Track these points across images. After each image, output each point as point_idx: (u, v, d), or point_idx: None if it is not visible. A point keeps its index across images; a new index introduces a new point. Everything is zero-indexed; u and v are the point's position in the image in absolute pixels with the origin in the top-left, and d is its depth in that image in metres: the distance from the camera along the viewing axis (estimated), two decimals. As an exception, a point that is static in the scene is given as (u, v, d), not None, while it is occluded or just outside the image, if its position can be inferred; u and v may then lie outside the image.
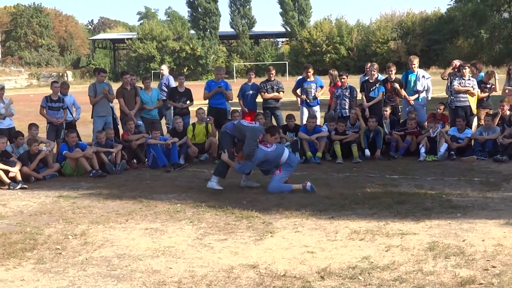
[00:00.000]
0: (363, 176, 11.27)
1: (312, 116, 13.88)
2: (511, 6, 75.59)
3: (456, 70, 14.40)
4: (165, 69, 17.86)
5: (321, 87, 15.05)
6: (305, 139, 13.26)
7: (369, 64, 15.38)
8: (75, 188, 10.99)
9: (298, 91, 15.08)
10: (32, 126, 12.94)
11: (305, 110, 14.81)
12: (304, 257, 6.45)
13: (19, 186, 11.10)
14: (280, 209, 8.66)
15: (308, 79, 14.85)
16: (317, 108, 14.87)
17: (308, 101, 14.76)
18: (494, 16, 75.21)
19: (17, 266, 6.48)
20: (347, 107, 14.27)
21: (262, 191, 10.01)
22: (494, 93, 14.35)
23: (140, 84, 15.92)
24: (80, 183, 11.52)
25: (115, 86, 15.15)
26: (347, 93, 14.31)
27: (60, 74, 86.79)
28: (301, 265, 6.18)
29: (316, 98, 14.80)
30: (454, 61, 14.96)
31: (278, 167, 10.22)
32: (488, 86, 14.19)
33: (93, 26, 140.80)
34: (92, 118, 14.36)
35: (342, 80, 14.48)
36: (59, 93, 14.10)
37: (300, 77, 15.61)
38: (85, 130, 16.76)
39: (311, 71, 14.93)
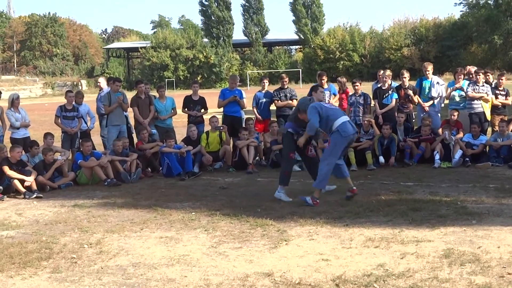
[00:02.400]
0: (378, 184, 11.25)
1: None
2: (525, 12, 75.24)
3: (460, 76, 14.41)
4: (102, 82, 16.49)
5: (334, 94, 15.02)
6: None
7: (381, 71, 15.36)
8: (90, 197, 11.04)
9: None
10: (47, 136, 13.02)
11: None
12: (319, 265, 6.44)
13: (34, 195, 11.16)
14: (295, 217, 8.66)
15: (322, 87, 14.82)
16: None
17: None
18: (508, 21, 74.97)
19: (33, 275, 6.51)
20: (361, 114, 14.24)
21: (277, 199, 10.00)
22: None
23: (154, 93, 15.97)
24: (95, 192, 11.58)
25: (129, 95, 15.21)
26: (361, 100, 14.29)
27: (75, 83, 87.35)
28: (316, 273, 6.18)
29: (329, 102, 14.78)
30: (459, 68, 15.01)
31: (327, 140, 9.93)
32: (504, 93, 14.12)
33: (107, 35, 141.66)
34: (106, 127, 14.42)
35: (356, 87, 14.45)
36: (73, 103, 14.19)
37: (314, 84, 15.60)
38: (100, 139, 16.81)
39: (325, 78, 14.91)
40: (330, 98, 14.69)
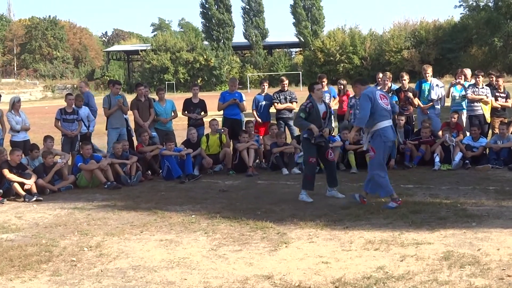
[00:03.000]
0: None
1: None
2: (525, 14, 75.30)
3: (460, 77, 14.46)
4: (83, 86, 16.41)
5: (334, 97, 15.01)
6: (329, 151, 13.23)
7: (380, 74, 15.37)
8: (90, 200, 11.04)
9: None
10: (47, 139, 13.02)
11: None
12: (319, 268, 6.44)
13: (34, 198, 11.16)
14: (295, 220, 8.66)
15: (322, 89, 14.81)
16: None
17: None
18: (508, 24, 75.05)
19: (32, 278, 6.51)
20: (360, 117, 14.25)
21: (277, 202, 10.00)
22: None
23: (153, 96, 15.97)
24: (95, 195, 11.57)
25: (129, 98, 15.21)
26: (360, 102, 14.29)
27: (75, 86, 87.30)
28: (315, 276, 6.18)
29: (330, 107, 14.77)
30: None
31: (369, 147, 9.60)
32: (504, 95, 14.13)
33: (107, 38, 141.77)
34: (106, 130, 14.44)
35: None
36: (73, 106, 14.20)
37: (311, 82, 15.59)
38: (100, 142, 16.83)
39: (325, 81, 14.91)
40: (330, 101, 14.69)
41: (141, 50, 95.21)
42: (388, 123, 9.49)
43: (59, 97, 70.48)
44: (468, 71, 15.08)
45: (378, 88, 14.73)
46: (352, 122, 14.28)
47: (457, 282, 5.77)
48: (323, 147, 10.32)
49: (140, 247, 7.65)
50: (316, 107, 10.18)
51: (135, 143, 14.67)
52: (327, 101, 14.51)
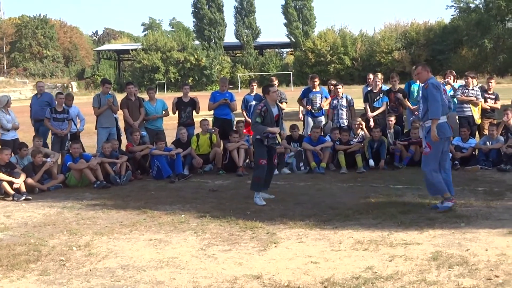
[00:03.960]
0: (367, 186, 11.27)
1: (316, 126, 13.89)
2: (515, 16, 75.70)
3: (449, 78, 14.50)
4: (42, 85, 15.66)
5: (326, 97, 15.01)
6: (309, 150, 13.26)
7: (371, 75, 15.41)
8: (80, 199, 11.00)
9: (303, 101, 15.09)
10: (36, 138, 12.97)
11: (310, 120, 14.82)
12: (308, 268, 6.45)
13: (23, 198, 11.12)
14: (284, 220, 8.66)
15: (314, 90, 14.85)
16: (322, 119, 14.87)
17: (313, 111, 14.77)
18: (498, 26, 75.51)
19: (21, 277, 6.49)
20: (344, 117, 14.29)
21: (266, 202, 10.00)
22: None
23: (143, 95, 15.94)
24: (84, 194, 11.54)
25: (120, 97, 15.19)
26: (343, 103, 14.32)
27: (65, 85, 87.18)
28: (304, 276, 6.18)
29: (321, 108, 14.80)
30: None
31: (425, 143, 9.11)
32: (493, 96, 14.19)
33: (97, 37, 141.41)
34: (96, 129, 14.40)
35: (338, 90, 14.46)
36: (63, 105, 14.15)
37: (306, 87, 15.61)
38: (89, 141, 16.80)
39: (317, 81, 14.93)
40: (321, 101, 14.70)
41: (132, 50, 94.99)
42: (444, 119, 9.07)
43: (49, 96, 70.15)
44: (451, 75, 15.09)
45: (369, 88, 14.84)
46: (336, 123, 14.29)
47: (446, 282, 5.79)
48: (272, 150, 10.39)
49: (129, 246, 7.64)
50: (270, 110, 10.17)
51: (124, 142, 14.63)
52: (318, 101, 14.57)
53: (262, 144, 10.16)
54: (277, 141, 10.34)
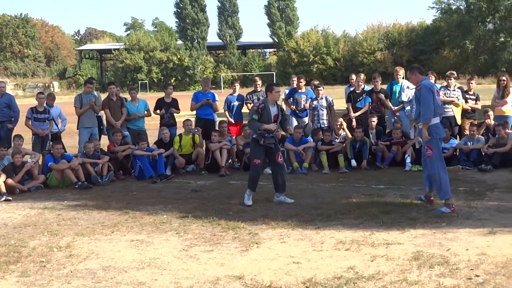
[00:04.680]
0: (350, 186, 11.30)
1: (298, 127, 13.89)
2: (495, 18, 76.34)
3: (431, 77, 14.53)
4: (3, 85, 14.79)
5: (311, 98, 14.97)
6: (291, 150, 13.28)
7: (353, 75, 15.46)
8: (61, 200, 10.93)
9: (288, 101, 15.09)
10: (16, 137, 12.86)
11: (294, 120, 14.83)
12: (290, 268, 6.45)
13: (3, 198, 11.03)
14: (267, 220, 8.66)
15: (300, 90, 14.87)
16: (306, 119, 14.88)
17: (297, 111, 14.79)
18: (479, 27, 76.01)
19: (0, 279, 6.43)
20: (325, 118, 14.32)
21: (252, 203, 9.99)
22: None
23: (126, 95, 15.88)
24: (65, 195, 11.47)
25: (102, 97, 15.11)
26: (323, 104, 14.34)
27: (46, 84, 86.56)
28: (286, 276, 6.18)
29: (306, 109, 14.79)
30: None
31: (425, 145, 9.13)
32: (474, 97, 14.29)
33: (79, 36, 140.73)
34: (78, 129, 14.31)
35: (318, 91, 14.48)
36: (44, 104, 14.06)
37: (290, 87, 15.57)
38: (71, 142, 16.71)
39: (302, 81, 14.94)
40: (307, 102, 14.69)
41: (114, 49, 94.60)
42: (438, 119, 9.10)
43: (30, 95, 69.63)
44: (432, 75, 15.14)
45: (351, 89, 14.88)
46: (316, 124, 14.29)
47: (427, 282, 5.82)
48: (273, 150, 10.14)
49: (110, 247, 7.60)
50: (268, 109, 10.02)
51: (106, 142, 14.57)
52: (303, 102, 14.58)
53: (258, 144, 10.03)
54: (275, 141, 10.20)
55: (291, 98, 14.99)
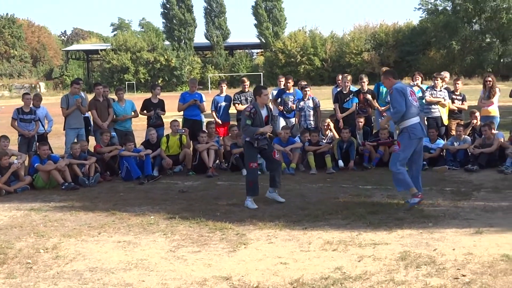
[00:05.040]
0: (337, 187, 11.31)
1: (286, 127, 13.91)
2: (481, 18, 76.79)
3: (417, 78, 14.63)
4: None
5: (299, 99, 14.98)
6: (279, 150, 13.26)
7: (340, 76, 15.48)
8: (47, 201, 10.88)
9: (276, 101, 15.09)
10: (2, 138, 12.77)
11: (282, 121, 14.84)
12: (277, 268, 6.45)
13: (-10, 199, 10.96)
14: (254, 221, 8.66)
15: (288, 91, 14.89)
16: (293, 120, 14.89)
17: (284, 112, 14.81)
18: (465, 28, 76.45)
19: (-13, 280, 6.40)
20: (311, 119, 14.33)
21: (236, 203, 10.01)
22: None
23: (113, 96, 15.83)
24: (52, 196, 11.41)
25: (89, 98, 15.05)
26: (310, 104, 14.35)
27: (33, 85, 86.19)
28: (274, 277, 6.19)
29: (293, 110, 14.80)
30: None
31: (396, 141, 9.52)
32: (460, 97, 14.35)
33: (66, 37, 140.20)
34: (64, 130, 14.25)
35: (305, 92, 14.48)
36: (31, 105, 13.99)
37: (278, 88, 15.58)
38: (58, 142, 16.64)
39: (290, 82, 14.97)
40: (294, 103, 14.71)
41: (101, 50, 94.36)
42: (416, 120, 9.35)
43: (16, 96, 69.34)
44: (447, 74, 15.25)
45: (338, 89, 14.91)
46: (303, 125, 14.31)
47: (413, 282, 5.84)
48: (268, 149, 10.16)
49: (97, 248, 7.57)
50: (259, 112, 9.99)
51: (92, 142, 14.52)
52: (290, 103, 14.60)
53: (252, 147, 10.00)
54: (267, 141, 10.20)
55: (279, 99, 15.00)
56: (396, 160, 9.34)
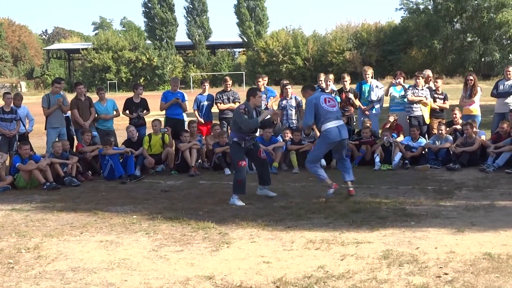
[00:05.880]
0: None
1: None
2: (462, 18, 77.27)
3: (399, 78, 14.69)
4: None
5: (273, 96, 14.96)
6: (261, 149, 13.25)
7: (321, 75, 15.47)
8: (29, 201, 10.80)
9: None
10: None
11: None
12: (260, 268, 6.45)
13: (-30, 199, 10.86)
14: (237, 220, 8.65)
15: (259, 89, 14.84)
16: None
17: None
18: (447, 27, 76.93)
19: (-33, 281, 6.34)
20: (293, 118, 14.32)
21: (219, 202, 10.00)
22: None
23: (94, 95, 15.76)
24: (33, 196, 11.33)
25: (70, 97, 14.98)
26: (292, 103, 14.35)
27: (14, 84, 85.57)
28: (257, 276, 6.18)
29: (267, 108, 14.78)
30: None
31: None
32: (442, 96, 14.42)
33: (47, 36, 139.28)
34: (45, 129, 14.16)
35: (287, 90, 14.45)
36: (12, 105, 13.88)
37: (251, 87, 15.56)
38: (39, 142, 16.54)
39: (260, 81, 14.88)
40: (267, 101, 14.68)
41: (83, 49, 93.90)
42: (333, 124, 10.03)
43: (-3, 95, 68.86)
44: (429, 72, 15.37)
45: (320, 90, 14.90)
46: (285, 124, 14.32)
47: (396, 280, 5.86)
48: (254, 148, 10.30)
49: (79, 248, 7.53)
50: (251, 112, 10.14)
51: (75, 142, 14.45)
52: (263, 102, 14.57)
53: (240, 147, 10.08)
54: (254, 141, 10.30)
55: None
56: (309, 157, 10.47)
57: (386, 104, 15.45)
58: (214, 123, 14.65)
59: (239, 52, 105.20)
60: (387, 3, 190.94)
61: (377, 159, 13.10)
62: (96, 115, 14.39)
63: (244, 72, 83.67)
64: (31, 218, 9.38)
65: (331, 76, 14.95)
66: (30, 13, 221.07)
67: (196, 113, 14.90)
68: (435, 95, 14.39)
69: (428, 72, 15.29)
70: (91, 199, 10.79)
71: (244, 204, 9.75)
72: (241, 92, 19.23)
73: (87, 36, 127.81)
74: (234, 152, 10.31)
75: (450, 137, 13.38)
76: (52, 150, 12.95)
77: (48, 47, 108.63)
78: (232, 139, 10.25)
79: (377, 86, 14.67)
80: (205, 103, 14.83)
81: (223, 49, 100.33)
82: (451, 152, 13.01)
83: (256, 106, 10.35)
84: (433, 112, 14.35)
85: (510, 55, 75.44)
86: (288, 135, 13.71)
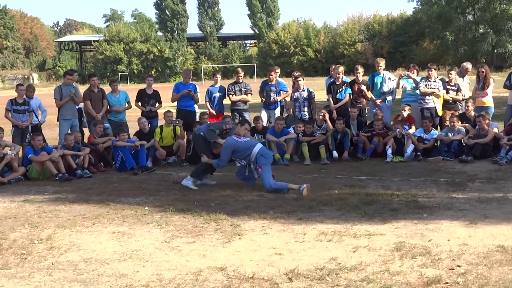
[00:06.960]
0: (331, 178, 11.31)
1: (280, 118, 13.90)
2: (475, 9, 76.77)
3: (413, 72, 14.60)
4: None
5: (283, 91, 14.92)
6: (273, 141, 13.26)
7: (333, 66, 15.45)
8: (41, 192, 10.85)
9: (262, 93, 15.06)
10: (-3, 130, 12.73)
11: (264, 112, 14.82)
12: (272, 259, 6.45)
13: (-17, 191, 10.91)
14: (248, 211, 8.66)
15: (270, 83, 14.84)
16: (276, 111, 14.85)
17: (267, 103, 14.77)
18: (459, 18, 76.42)
19: (-19, 271, 6.37)
20: (306, 110, 14.28)
21: (230, 193, 10.00)
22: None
23: (106, 87, 15.77)
24: (46, 187, 11.38)
25: (82, 89, 15.01)
26: (304, 95, 14.31)
27: (26, 76, 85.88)
28: (269, 267, 6.18)
29: (276, 101, 14.76)
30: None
31: (256, 166, 10.32)
32: (454, 88, 14.33)
33: (59, 28, 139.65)
34: (58, 121, 14.20)
35: (299, 82, 14.42)
36: (24, 96, 13.92)
37: (266, 79, 15.57)
38: (51, 133, 16.58)
39: (273, 74, 14.88)
40: (276, 95, 14.65)
41: (94, 41, 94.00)
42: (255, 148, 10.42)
43: (9, 87, 69.08)
44: (469, 65, 15.35)
45: (331, 80, 14.87)
46: (297, 115, 14.30)
47: (409, 272, 5.84)
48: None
49: (92, 239, 7.56)
50: (227, 134, 11.03)
51: (86, 133, 14.48)
52: (272, 95, 14.57)
53: (205, 140, 11.03)
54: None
55: (263, 91, 14.92)
56: (264, 179, 10.18)
57: (398, 96, 15.38)
58: (225, 115, 14.63)
59: (250, 44, 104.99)
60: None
61: (389, 151, 13.05)
62: (108, 107, 14.40)
63: (255, 64, 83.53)
64: (43, 209, 9.42)
65: (341, 68, 14.89)
66: (42, 5, 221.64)
67: (208, 104, 14.89)
68: (448, 87, 14.30)
69: (468, 66, 15.23)
70: (103, 191, 10.82)
71: (197, 188, 10.49)
72: (253, 84, 19.21)
73: (98, 28, 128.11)
74: (200, 144, 11.31)
75: (463, 129, 13.29)
76: (64, 142, 12.97)
77: (60, 39, 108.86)
78: (200, 131, 11.20)
79: (389, 78, 14.62)
80: (217, 94, 14.83)
81: (234, 41, 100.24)
82: (464, 144, 12.94)
83: (237, 134, 10.87)
84: (446, 104, 14.26)
85: (523, 46, 74.89)
86: (301, 128, 13.65)
